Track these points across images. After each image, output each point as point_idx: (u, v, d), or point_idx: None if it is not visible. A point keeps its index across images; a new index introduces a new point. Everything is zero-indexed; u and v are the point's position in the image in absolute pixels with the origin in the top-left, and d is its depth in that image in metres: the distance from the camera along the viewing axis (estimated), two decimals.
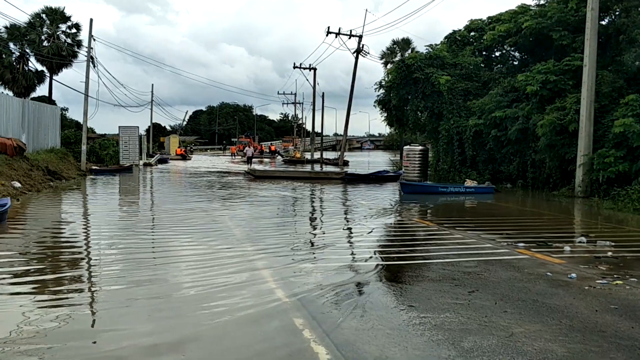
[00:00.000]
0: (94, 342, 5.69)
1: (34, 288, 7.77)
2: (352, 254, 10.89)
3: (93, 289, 7.89)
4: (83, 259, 10.24)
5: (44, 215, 16.86)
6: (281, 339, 5.81)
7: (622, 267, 9.19)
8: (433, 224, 14.75)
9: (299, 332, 5.99)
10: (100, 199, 22.11)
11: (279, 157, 72.02)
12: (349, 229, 14.19)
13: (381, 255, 10.37)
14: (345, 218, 16.23)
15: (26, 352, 5.30)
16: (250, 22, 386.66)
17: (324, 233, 13.74)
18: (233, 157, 71.06)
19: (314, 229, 14.62)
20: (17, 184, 21.07)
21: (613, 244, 11.20)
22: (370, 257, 10.22)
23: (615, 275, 8.48)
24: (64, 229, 14.28)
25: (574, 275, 8.41)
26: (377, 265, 9.45)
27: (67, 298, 7.34)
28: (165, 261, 9.66)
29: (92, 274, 8.87)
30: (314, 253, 10.71)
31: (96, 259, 10.03)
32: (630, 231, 14.04)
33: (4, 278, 8.28)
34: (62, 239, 12.58)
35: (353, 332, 5.96)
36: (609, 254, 10.29)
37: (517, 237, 12.01)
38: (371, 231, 13.53)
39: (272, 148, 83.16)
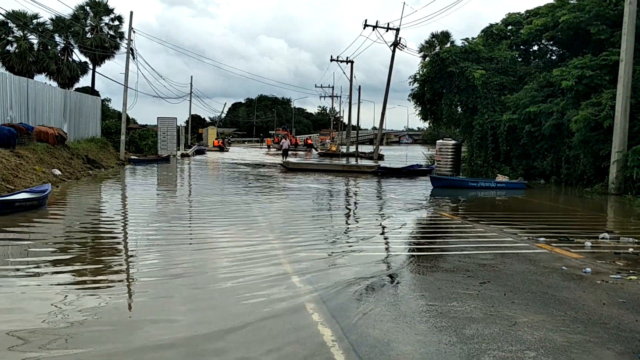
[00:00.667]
0: (131, 331, 5.83)
1: (72, 274, 8.14)
2: (374, 246, 11.06)
3: (130, 277, 8.09)
4: (120, 246, 10.70)
5: (83, 202, 17.54)
6: (295, 329, 6.08)
7: None
8: (457, 218, 14.85)
9: (311, 318, 6.26)
10: (138, 187, 22.77)
11: (314, 150, 72.27)
12: (373, 222, 14.37)
13: (400, 247, 10.57)
14: (371, 212, 16.40)
15: (63, 337, 5.45)
16: (290, 15, 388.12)
17: (350, 225, 13.98)
18: (269, 150, 71.70)
19: (342, 222, 14.85)
20: (57, 172, 21.85)
21: (637, 241, 11.14)
22: (389, 249, 10.43)
23: (631, 271, 8.51)
24: (102, 216, 14.86)
25: (588, 269, 8.48)
26: (394, 256, 9.66)
27: (104, 286, 7.52)
28: (201, 252, 9.95)
29: (130, 262, 9.15)
30: (335, 246, 10.92)
31: (133, 247, 10.44)
32: None
33: (43, 262, 8.77)
34: (100, 227, 13.08)
35: (360, 317, 6.20)
36: (630, 250, 10.28)
37: (540, 232, 12.05)
38: (394, 224, 13.70)
39: (309, 141, 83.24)
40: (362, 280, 7.73)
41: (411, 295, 7.14)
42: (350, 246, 10.63)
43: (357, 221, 14.64)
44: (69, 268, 8.51)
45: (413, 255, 9.80)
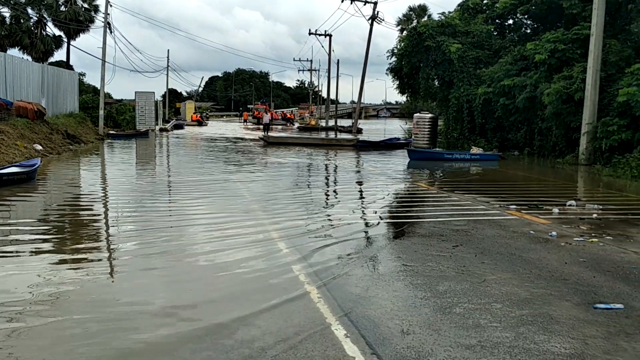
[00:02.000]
0: (113, 301, 6.06)
1: (55, 247, 8.52)
2: (352, 212, 11.54)
3: (112, 251, 8.45)
4: (102, 220, 11.09)
5: (66, 177, 17.77)
6: (283, 286, 6.56)
7: (603, 227, 9.84)
8: (433, 188, 15.44)
9: (297, 278, 6.75)
10: (118, 162, 22.99)
11: (293, 124, 72.43)
12: (353, 192, 14.89)
13: (378, 214, 11.08)
14: (351, 183, 16.92)
15: (42, 312, 5.49)
16: None
17: (330, 195, 14.49)
18: (245, 124, 71.77)
19: (323, 192, 15.34)
20: (39, 147, 21.97)
21: (601, 207, 11.80)
22: (367, 216, 10.95)
23: (592, 234, 9.14)
24: (85, 190, 15.16)
25: (554, 233, 9.09)
26: (373, 223, 10.18)
27: (85, 259, 7.72)
28: (181, 224, 10.41)
29: (110, 236, 9.54)
30: (316, 213, 11.40)
31: (114, 222, 10.84)
32: (621, 196, 14.60)
33: (28, 238, 9.13)
34: (82, 202, 13.42)
35: (343, 277, 6.71)
36: (594, 216, 10.92)
37: (512, 200, 12.66)
38: (373, 194, 14.22)
39: (290, 116, 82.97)
40: (345, 246, 8.25)
41: (389, 258, 7.67)
42: (332, 215, 11.12)
43: (337, 192, 15.15)
44: (55, 240, 8.90)
45: (391, 223, 10.34)
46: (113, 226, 10.01)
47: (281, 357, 4.52)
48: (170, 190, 14.95)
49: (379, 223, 10.20)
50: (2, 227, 9.66)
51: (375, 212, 11.34)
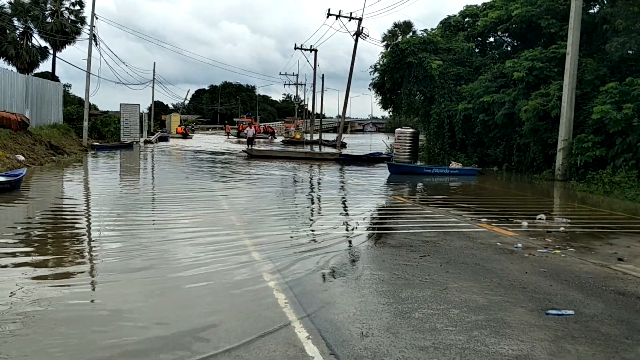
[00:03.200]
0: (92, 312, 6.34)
1: (35, 258, 8.71)
2: (329, 226, 11.82)
3: (93, 262, 8.66)
4: (83, 231, 11.26)
5: (48, 187, 17.91)
6: (252, 292, 6.81)
7: (568, 240, 10.19)
8: (409, 201, 15.77)
9: (267, 284, 7.00)
10: (101, 173, 23.14)
11: (275, 137, 72.73)
12: (330, 204, 15.18)
13: (352, 226, 11.37)
14: (329, 196, 17.22)
15: (22, 321, 5.50)
16: (251, 0, 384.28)
17: (308, 207, 14.76)
18: (227, 137, 72.03)
19: (301, 204, 15.60)
20: (21, 157, 22.06)
21: (569, 221, 12.18)
22: (340, 227, 11.24)
23: (557, 246, 9.48)
24: (66, 202, 15.30)
25: (519, 245, 9.42)
26: (345, 234, 10.47)
27: (67, 272, 7.87)
28: (163, 237, 10.63)
29: (92, 248, 9.74)
30: (290, 224, 11.66)
31: (95, 234, 11.03)
32: (590, 210, 15.03)
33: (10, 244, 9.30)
34: (64, 213, 13.58)
35: (311, 284, 6.97)
36: (562, 229, 11.29)
37: (484, 213, 13.00)
38: (350, 206, 14.52)
39: (269, 129, 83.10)
40: (316, 255, 8.51)
41: (358, 266, 7.95)
42: (305, 226, 11.39)
43: (314, 204, 15.42)
44: (34, 252, 9.07)
45: (364, 234, 10.61)
46: (94, 239, 10.11)
47: (243, 355, 4.77)
48: (153, 203, 15.14)
49: (351, 234, 10.48)
50: None
51: (349, 224, 11.62)
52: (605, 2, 26.06)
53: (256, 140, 61.46)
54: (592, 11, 26.71)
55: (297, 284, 6.94)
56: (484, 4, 34.28)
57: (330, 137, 67.30)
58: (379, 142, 59.63)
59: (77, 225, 11.27)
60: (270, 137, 72.94)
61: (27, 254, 8.53)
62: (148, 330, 5.40)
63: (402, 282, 7.14)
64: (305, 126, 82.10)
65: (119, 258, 8.22)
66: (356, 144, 59.24)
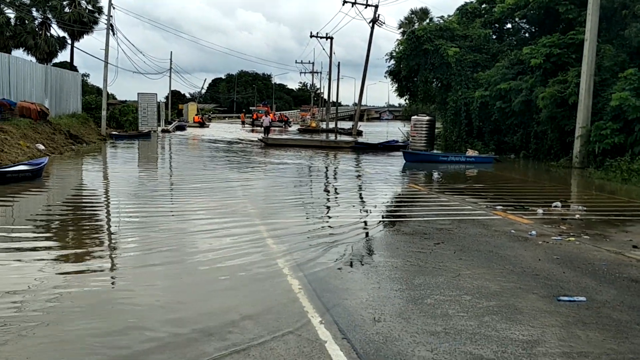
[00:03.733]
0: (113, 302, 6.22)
1: (55, 249, 8.92)
2: (344, 213, 11.92)
3: (113, 253, 8.80)
4: (103, 222, 11.46)
5: (68, 176, 18.18)
6: (267, 277, 6.92)
7: (583, 227, 10.18)
8: (424, 189, 15.79)
9: (282, 271, 7.11)
10: (120, 162, 23.46)
11: (289, 126, 72.66)
12: (348, 192, 15.25)
13: (367, 214, 11.45)
14: (347, 183, 17.29)
15: (44, 310, 5.63)
16: None
17: (323, 195, 14.86)
18: (243, 125, 72.22)
19: (316, 192, 15.70)
20: (41, 146, 22.38)
21: (585, 208, 12.14)
22: (355, 215, 11.32)
23: (571, 234, 9.47)
24: (86, 192, 15.56)
25: (534, 232, 9.43)
26: (361, 221, 10.55)
27: (85, 261, 8.08)
28: (181, 227, 10.77)
29: (113, 238, 9.95)
30: (311, 212, 11.77)
31: (116, 222, 11.21)
32: (607, 198, 14.95)
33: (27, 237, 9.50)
34: (84, 203, 13.81)
35: (325, 271, 7.07)
36: (577, 216, 11.26)
37: (500, 201, 13.00)
38: (366, 194, 14.59)
39: (285, 118, 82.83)
40: (331, 242, 8.61)
41: (372, 254, 8.04)
42: (321, 213, 11.49)
43: (330, 192, 15.50)
44: (54, 241, 9.26)
45: (379, 221, 10.68)
46: (114, 230, 10.10)
47: (254, 331, 4.89)
48: (171, 191, 15.32)
49: (366, 222, 10.56)
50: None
51: (364, 212, 11.70)
52: None
53: (272, 129, 61.53)
54: None
55: (311, 270, 7.03)
56: None
57: (346, 125, 67.10)
58: (396, 130, 59.50)
59: (96, 216, 11.45)
60: (284, 126, 72.76)
61: (47, 244, 8.72)
62: (164, 325, 5.48)
63: (415, 269, 7.21)
64: (321, 114, 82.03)
65: (138, 249, 8.32)
66: (372, 132, 59.08)
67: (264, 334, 5.02)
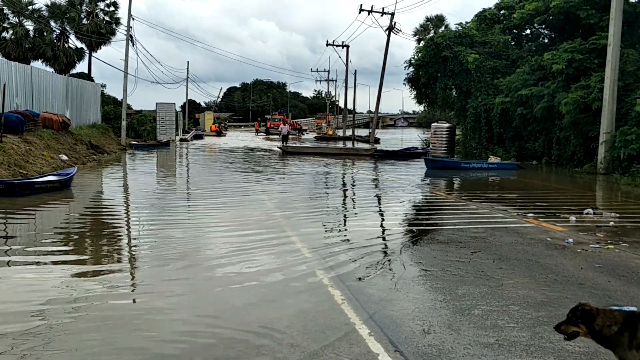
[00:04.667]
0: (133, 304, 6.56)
1: (74, 257, 8.93)
2: (374, 222, 11.85)
3: (133, 262, 8.82)
4: (124, 231, 11.48)
5: (94, 187, 18.25)
6: (307, 290, 6.86)
7: (619, 235, 10.01)
8: (451, 196, 15.67)
9: (322, 282, 7.04)
10: (143, 172, 23.59)
11: (303, 133, 72.67)
12: (373, 200, 15.18)
13: (398, 222, 11.35)
14: (371, 191, 17.23)
15: (66, 317, 5.70)
16: None
17: (349, 203, 14.78)
18: (256, 133, 72.42)
19: (342, 200, 15.64)
20: (64, 157, 22.51)
21: (618, 215, 11.96)
22: (387, 223, 11.23)
23: (609, 241, 9.32)
24: (112, 202, 15.59)
25: (570, 240, 9.29)
26: (394, 230, 10.46)
27: (106, 271, 8.25)
28: (200, 236, 10.78)
29: (132, 246, 9.94)
30: (340, 221, 11.72)
31: (136, 233, 11.21)
32: (637, 204, 14.71)
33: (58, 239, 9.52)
34: (111, 213, 13.84)
35: (363, 281, 6.99)
36: (611, 223, 11.09)
37: (529, 208, 12.85)
38: (393, 202, 14.49)
39: (298, 126, 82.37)
40: (366, 251, 8.53)
41: (410, 263, 7.94)
42: (354, 223, 11.43)
43: (358, 200, 15.41)
44: (80, 252, 9.27)
45: (411, 230, 10.60)
46: (135, 238, 10.12)
47: (308, 349, 4.82)
48: (192, 202, 15.33)
49: (399, 230, 10.47)
50: (26, 233, 10.08)
51: (395, 220, 11.61)
52: None
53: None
54: (632, 1, 26.11)
55: (351, 281, 6.95)
56: None
57: (362, 132, 67.12)
58: (411, 137, 59.32)
59: (120, 228, 11.48)
60: (298, 134, 72.58)
61: (73, 253, 8.74)
62: (211, 338, 5.45)
63: (456, 278, 7.10)
64: (336, 122, 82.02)
65: (173, 261, 8.25)
66: (389, 139, 58.94)
67: (313, 346, 4.95)
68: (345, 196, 16.51)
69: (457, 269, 7.51)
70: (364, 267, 7.59)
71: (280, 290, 6.71)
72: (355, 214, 12.83)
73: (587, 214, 12.20)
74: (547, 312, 5.83)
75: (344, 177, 22.65)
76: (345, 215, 12.48)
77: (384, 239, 9.66)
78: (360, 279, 7.05)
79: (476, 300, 6.24)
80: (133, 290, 6.86)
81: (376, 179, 20.86)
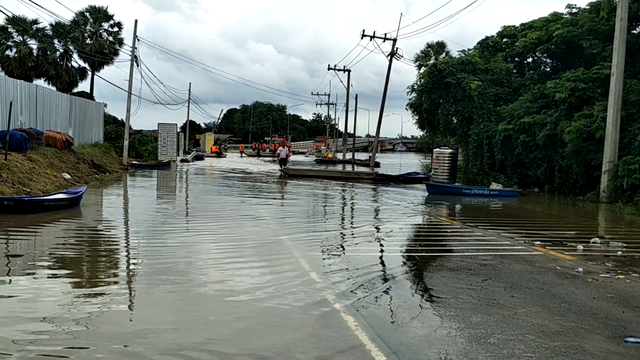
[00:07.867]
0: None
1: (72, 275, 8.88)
2: (381, 247, 11.81)
3: (132, 284, 8.75)
4: (130, 253, 11.43)
5: (100, 205, 18.21)
6: (319, 316, 6.81)
7: (628, 264, 9.98)
8: (456, 222, 15.63)
9: (334, 306, 6.99)
10: (144, 192, 23.51)
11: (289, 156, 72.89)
12: (378, 226, 15.13)
13: (407, 249, 11.31)
14: (375, 216, 17.19)
15: (68, 336, 5.75)
16: (278, 21, 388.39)
17: (355, 228, 14.74)
18: (241, 155, 72.82)
19: (347, 225, 15.61)
20: (67, 176, 22.50)
21: (625, 245, 11.93)
22: (396, 250, 11.18)
23: (619, 271, 9.29)
24: (115, 222, 15.53)
25: (580, 269, 9.26)
26: (402, 256, 10.44)
27: (106, 285, 8.37)
28: (197, 258, 10.73)
29: (130, 267, 9.91)
30: (347, 247, 11.67)
31: (135, 254, 11.17)
32: None
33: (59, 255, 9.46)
34: (116, 234, 13.80)
35: (376, 307, 6.94)
36: (619, 253, 11.07)
37: (535, 236, 12.82)
38: (398, 228, 14.45)
39: (288, 145, 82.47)
40: (378, 278, 8.49)
41: (421, 290, 7.90)
42: (365, 247, 11.39)
43: (364, 223, 15.35)
44: (80, 270, 9.22)
45: (420, 256, 10.54)
46: (134, 258, 10.01)
47: None
48: (209, 225, 15.28)
49: (407, 256, 10.43)
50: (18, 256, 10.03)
51: (403, 246, 11.57)
52: None
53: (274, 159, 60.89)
54: (635, 31, 26.38)
55: (364, 307, 6.90)
56: (522, 24, 34.01)
57: (361, 156, 67.20)
58: (411, 162, 59.52)
59: (129, 248, 11.44)
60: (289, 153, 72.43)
61: (73, 271, 8.68)
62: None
63: (469, 306, 7.06)
64: (335, 145, 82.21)
65: (181, 285, 8.25)
66: (388, 163, 59.03)
67: None
68: (354, 220, 16.49)
69: (469, 297, 7.47)
70: (376, 293, 7.55)
71: (291, 314, 6.64)
72: (366, 237, 12.70)
73: (594, 243, 12.17)
74: (563, 342, 5.79)
75: (348, 200, 22.61)
76: (356, 240, 12.44)
77: (394, 266, 9.59)
78: (373, 306, 7.00)
79: (491, 328, 6.20)
80: (148, 318, 6.80)
81: (380, 204, 20.82)
